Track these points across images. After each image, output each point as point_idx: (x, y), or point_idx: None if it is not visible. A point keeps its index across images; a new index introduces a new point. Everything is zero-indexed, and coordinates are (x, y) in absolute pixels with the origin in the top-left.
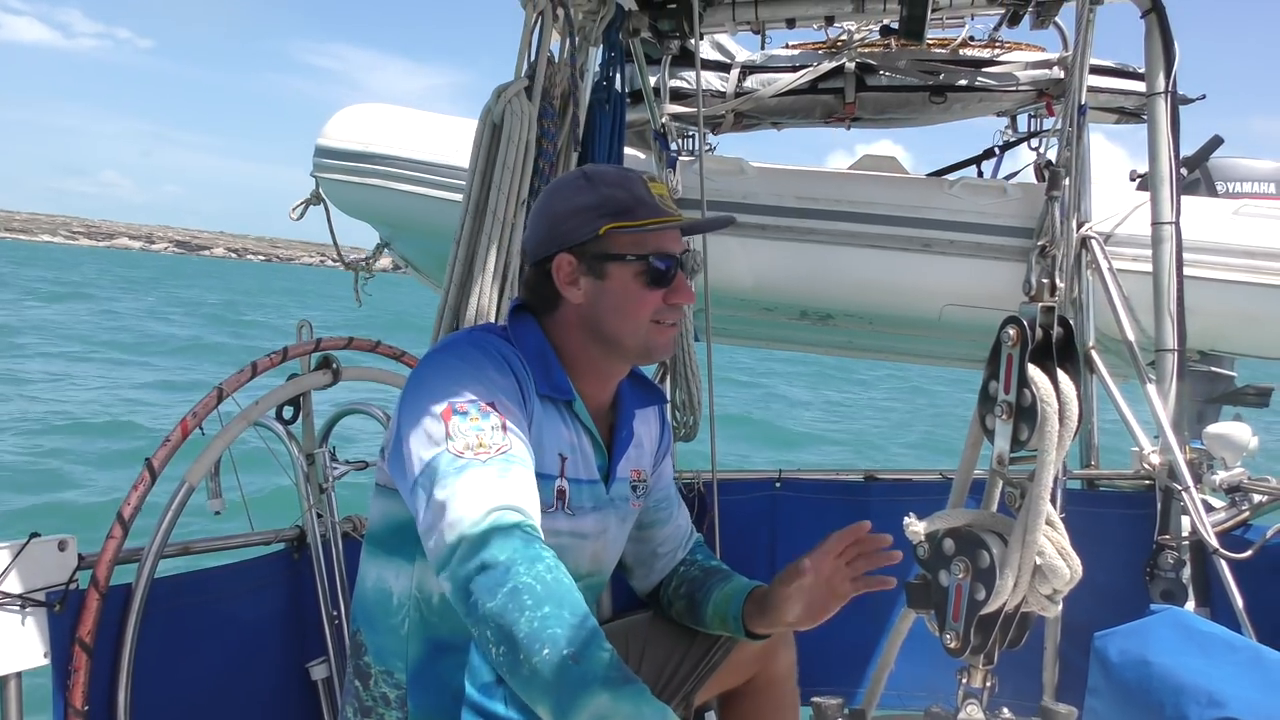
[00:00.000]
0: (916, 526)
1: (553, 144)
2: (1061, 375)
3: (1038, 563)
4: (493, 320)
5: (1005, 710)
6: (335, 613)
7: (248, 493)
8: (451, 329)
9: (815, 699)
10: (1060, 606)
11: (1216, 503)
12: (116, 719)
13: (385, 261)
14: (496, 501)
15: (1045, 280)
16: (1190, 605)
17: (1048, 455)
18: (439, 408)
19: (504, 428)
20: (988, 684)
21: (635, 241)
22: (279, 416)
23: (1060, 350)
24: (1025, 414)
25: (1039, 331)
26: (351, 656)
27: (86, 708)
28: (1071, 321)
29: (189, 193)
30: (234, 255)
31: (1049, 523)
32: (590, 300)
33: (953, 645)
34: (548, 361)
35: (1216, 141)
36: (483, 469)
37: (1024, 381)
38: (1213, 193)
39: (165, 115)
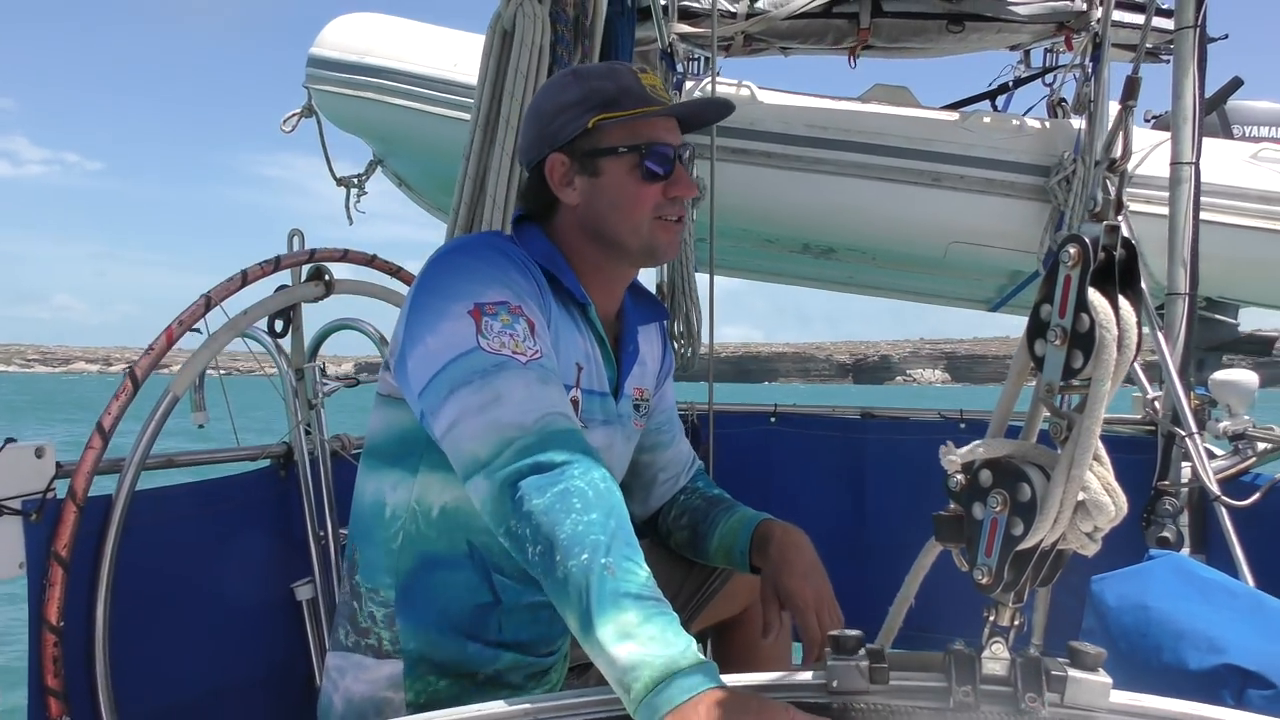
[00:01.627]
0: (954, 455)
1: (568, 50)
2: (1123, 301)
3: (1082, 498)
4: None
5: (1033, 649)
6: (322, 532)
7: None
8: None
9: (831, 632)
10: (1099, 545)
11: (1219, 450)
12: (94, 636)
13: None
14: (547, 407)
15: (1112, 198)
16: (1186, 551)
17: (1103, 385)
18: (463, 307)
19: (533, 332)
20: (1015, 622)
21: (628, 132)
22: (270, 329)
23: (1124, 274)
24: (1080, 340)
25: (1101, 253)
26: (348, 574)
27: (61, 623)
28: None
29: (144, 311)
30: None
31: (1096, 458)
32: (587, 200)
33: (984, 581)
34: (559, 267)
35: (1236, 83)
36: (524, 371)
37: (1083, 305)
38: (1229, 135)
39: (117, 235)
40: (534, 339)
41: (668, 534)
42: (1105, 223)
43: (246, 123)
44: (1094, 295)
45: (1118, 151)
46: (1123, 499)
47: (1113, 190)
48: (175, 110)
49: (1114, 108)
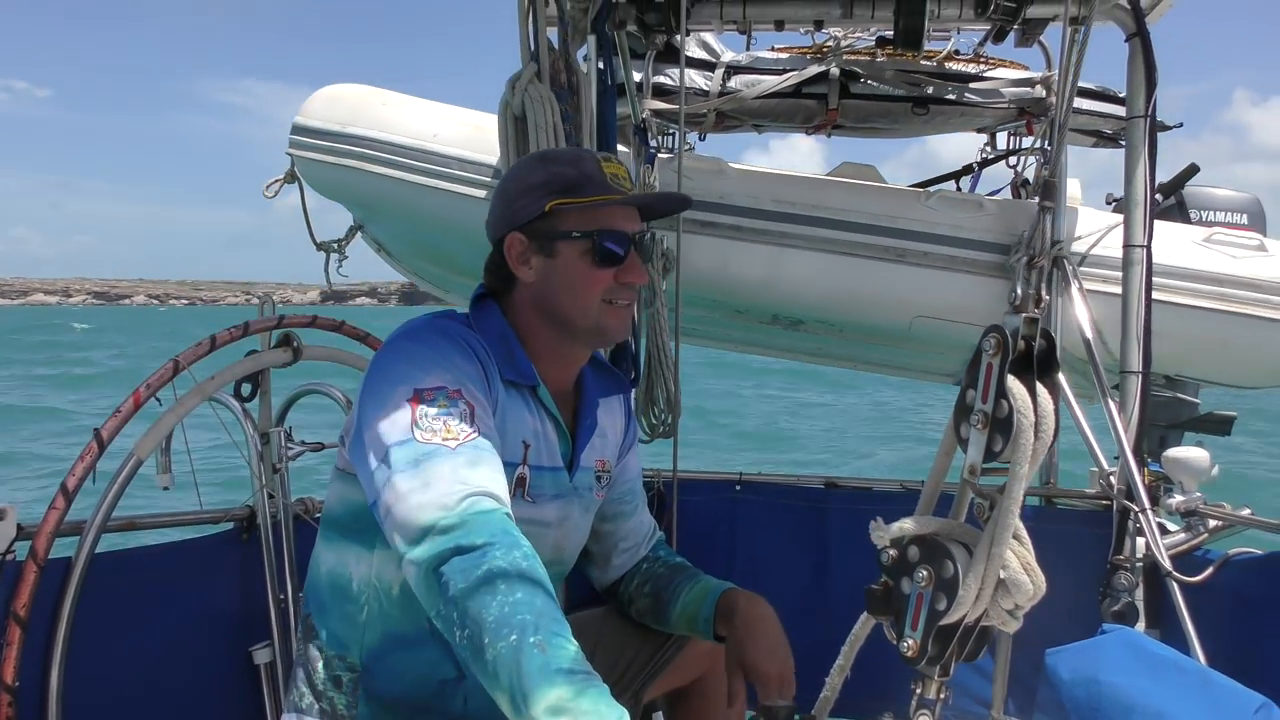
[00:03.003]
0: (883, 530)
1: (573, 126)
2: (1040, 389)
3: (1002, 576)
4: None
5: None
6: (283, 596)
7: (199, 470)
8: None
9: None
10: (1020, 622)
11: (1172, 526)
12: (48, 697)
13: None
14: (472, 487)
15: (1031, 291)
16: (1141, 626)
17: (1020, 468)
18: (405, 394)
19: (471, 415)
20: (941, 695)
21: (584, 218)
22: (236, 393)
23: (1041, 363)
24: (1000, 425)
25: (1020, 343)
26: (304, 639)
27: (16, 683)
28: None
29: (103, 242)
30: (156, 302)
31: (1016, 537)
32: (542, 279)
33: (910, 654)
34: (510, 345)
35: (1193, 170)
36: (453, 456)
37: (1002, 392)
38: (1186, 220)
39: (70, 165)
40: (472, 421)
41: (629, 601)
42: (1024, 314)
43: (206, 48)
44: (1013, 383)
45: (1038, 246)
46: (1041, 579)
47: (1033, 283)
48: (129, 35)
49: (1074, 185)
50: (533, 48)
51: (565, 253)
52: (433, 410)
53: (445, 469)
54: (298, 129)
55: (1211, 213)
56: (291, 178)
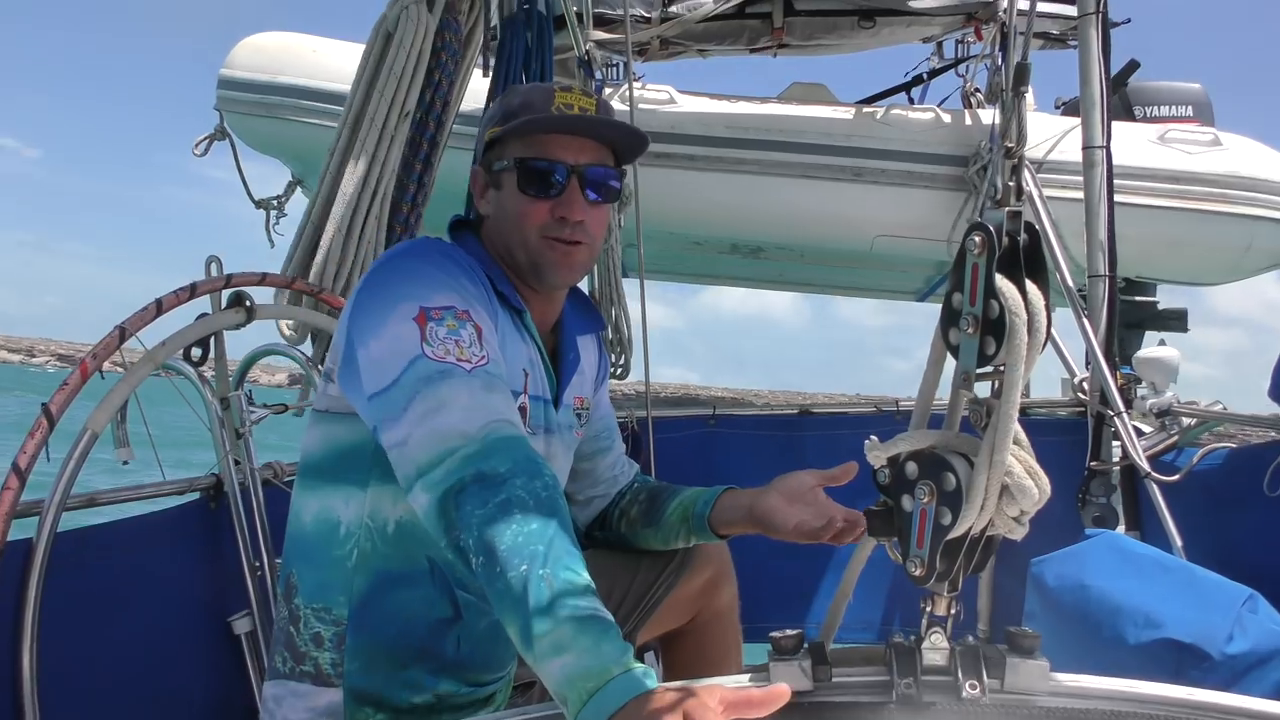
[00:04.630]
0: (879, 449)
1: (453, 59)
2: (1030, 285)
3: (1006, 483)
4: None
5: (971, 638)
6: (258, 563)
7: (158, 440)
8: (311, 245)
9: (772, 633)
10: (1026, 529)
11: (1146, 428)
12: (20, 685)
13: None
14: (492, 414)
15: (1011, 184)
16: (1121, 529)
17: (1016, 370)
18: (409, 311)
19: (480, 339)
20: (952, 611)
21: (521, 145)
22: (187, 358)
23: (1028, 259)
24: (992, 327)
25: (1005, 239)
26: (283, 600)
27: None
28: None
29: (70, 303)
30: (119, 368)
31: (1016, 441)
32: (495, 210)
33: (917, 573)
34: (495, 273)
35: (1134, 65)
36: (469, 379)
37: (991, 292)
38: (1130, 117)
39: (47, 225)
40: (481, 345)
41: (619, 517)
42: (1007, 209)
43: (190, 122)
44: (1001, 281)
45: (1013, 139)
46: (1045, 481)
47: (1010, 177)
48: (121, 104)
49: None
50: None
51: (506, 184)
52: (441, 330)
53: (462, 391)
54: (225, 82)
55: (1156, 108)
56: (222, 134)
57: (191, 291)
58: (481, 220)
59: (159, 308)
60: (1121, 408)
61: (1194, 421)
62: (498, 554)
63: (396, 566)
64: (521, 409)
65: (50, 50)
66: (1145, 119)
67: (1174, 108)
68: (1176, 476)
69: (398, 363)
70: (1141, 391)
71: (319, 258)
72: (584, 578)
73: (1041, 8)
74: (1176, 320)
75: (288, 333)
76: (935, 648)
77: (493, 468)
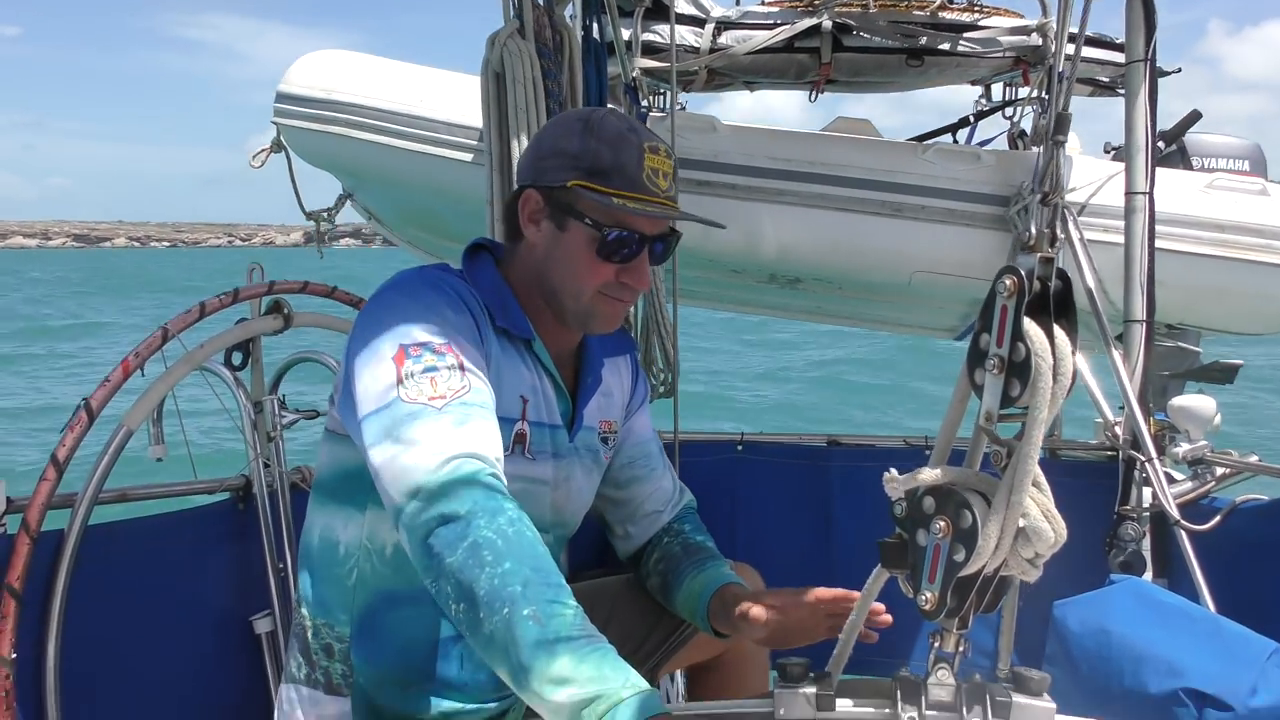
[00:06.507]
0: (897, 482)
1: (557, 83)
2: (1057, 330)
3: (1021, 525)
4: None
5: (977, 676)
6: (281, 565)
7: (192, 441)
8: None
9: (780, 661)
10: (1040, 571)
11: (1179, 475)
12: (45, 669)
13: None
14: (455, 450)
15: (1046, 230)
16: (1149, 576)
17: (1039, 413)
18: (389, 350)
19: (461, 368)
20: (960, 648)
21: (601, 209)
22: (227, 362)
23: (1058, 305)
24: (1017, 369)
25: (1036, 284)
26: (299, 607)
27: (14, 656)
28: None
29: (80, 184)
30: (137, 244)
31: (1035, 484)
32: (546, 245)
33: (928, 607)
34: (504, 298)
35: (1195, 116)
36: (439, 416)
37: (1018, 335)
38: (1188, 167)
39: (42, 103)
40: (461, 375)
41: (646, 576)
42: (1040, 254)
43: None
44: (1029, 325)
45: (1050, 185)
46: (1062, 525)
47: (1046, 222)
48: None
49: (1071, 139)
50: (515, 4)
51: (574, 232)
52: (418, 367)
53: (429, 430)
54: (282, 97)
55: (1214, 160)
56: (278, 147)
57: (234, 296)
58: (515, 237)
59: (202, 310)
60: (1153, 453)
61: (1227, 471)
62: (478, 600)
63: (396, 587)
64: (520, 435)
65: None
66: (1202, 170)
67: (1231, 161)
68: (1207, 526)
69: (376, 403)
70: (1175, 439)
71: None
72: (571, 604)
73: (1089, 53)
74: (1224, 374)
75: None
76: (942, 684)
77: (453, 510)
